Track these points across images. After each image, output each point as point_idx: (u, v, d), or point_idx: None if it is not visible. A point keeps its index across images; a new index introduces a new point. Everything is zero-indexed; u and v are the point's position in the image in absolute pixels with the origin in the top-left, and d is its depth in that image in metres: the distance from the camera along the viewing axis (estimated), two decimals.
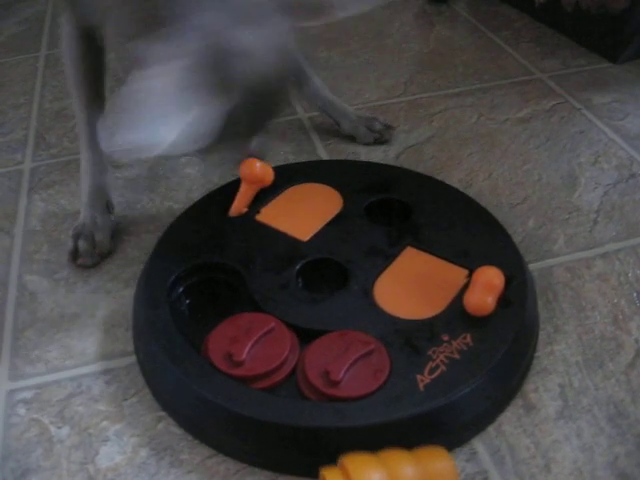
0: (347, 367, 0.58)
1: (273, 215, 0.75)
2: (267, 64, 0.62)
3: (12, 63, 1.25)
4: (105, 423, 0.62)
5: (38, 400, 0.64)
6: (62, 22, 0.80)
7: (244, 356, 0.59)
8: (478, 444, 0.59)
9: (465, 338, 0.61)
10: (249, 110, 0.63)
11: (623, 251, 0.78)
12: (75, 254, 0.77)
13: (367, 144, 0.95)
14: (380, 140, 0.95)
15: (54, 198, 0.89)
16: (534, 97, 1.06)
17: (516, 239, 0.75)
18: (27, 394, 0.64)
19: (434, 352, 0.60)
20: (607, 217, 0.82)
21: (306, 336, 0.62)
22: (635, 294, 0.72)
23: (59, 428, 0.61)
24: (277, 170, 0.78)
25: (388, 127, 0.96)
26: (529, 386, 0.64)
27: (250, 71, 0.60)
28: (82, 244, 0.77)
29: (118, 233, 0.81)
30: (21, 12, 1.44)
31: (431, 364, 0.59)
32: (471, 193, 0.82)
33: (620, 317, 0.70)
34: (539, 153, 0.94)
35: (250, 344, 0.60)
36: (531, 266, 0.75)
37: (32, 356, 0.68)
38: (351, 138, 0.96)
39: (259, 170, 0.75)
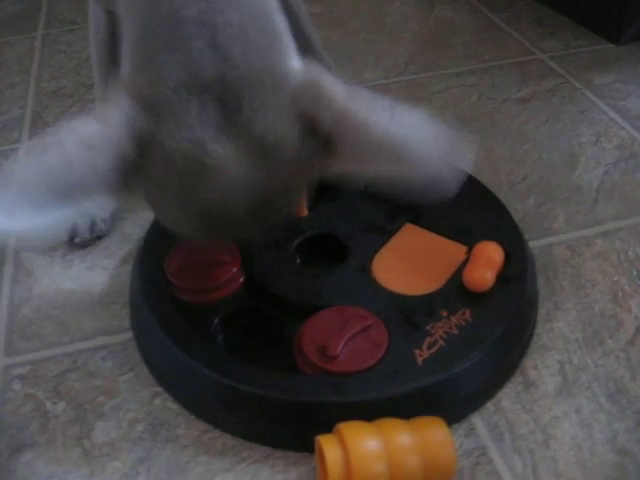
0: (345, 342, 0.58)
1: None
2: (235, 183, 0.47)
3: (9, 43, 1.23)
4: (101, 398, 0.61)
5: (34, 376, 0.63)
6: None
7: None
8: (477, 420, 0.59)
9: (464, 314, 0.61)
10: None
11: (623, 230, 0.77)
12: (73, 232, 0.77)
13: None
14: None
15: None
16: (535, 77, 1.05)
17: (516, 217, 0.74)
18: (23, 370, 0.64)
19: (432, 327, 0.60)
20: (607, 196, 0.82)
21: (304, 312, 0.61)
22: (635, 272, 0.71)
23: (55, 403, 0.61)
24: None
25: None
26: (528, 363, 0.63)
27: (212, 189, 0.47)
28: (80, 222, 0.77)
29: (116, 211, 0.81)
30: None
31: (429, 339, 0.59)
32: (471, 171, 0.81)
33: (620, 295, 0.69)
34: (539, 132, 0.93)
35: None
36: (531, 244, 0.74)
37: (28, 332, 0.68)
38: None
39: None
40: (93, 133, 0.45)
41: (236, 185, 0.46)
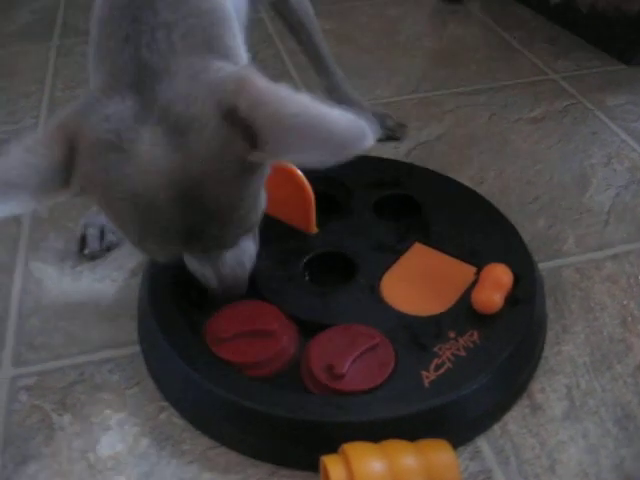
0: (352, 361, 0.58)
1: None
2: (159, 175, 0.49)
3: (24, 52, 1.25)
4: (107, 412, 0.61)
5: (40, 387, 0.64)
6: None
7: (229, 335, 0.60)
8: (483, 443, 0.58)
9: (472, 335, 0.61)
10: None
11: (634, 253, 0.77)
12: (83, 243, 0.77)
13: (378, 141, 0.94)
14: (392, 137, 0.95)
15: None
16: (547, 97, 1.05)
17: (526, 238, 0.74)
18: (29, 381, 0.64)
19: (440, 349, 0.59)
20: (618, 218, 0.81)
21: (311, 329, 0.61)
22: None
23: (60, 415, 0.61)
24: None
25: (401, 125, 0.96)
26: (536, 386, 0.63)
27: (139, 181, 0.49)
28: (91, 234, 0.77)
29: None
30: (34, 2, 1.44)
31: (437, 361, 0.59)
32: (481, 191, 0.81)
33: (629, 319, 0.69)
34: (551, 153, 0.93)
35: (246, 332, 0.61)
36: (540, 266, 0.74)
37: (36, 343, 0.68)
38: None
39: None
40: (33, 138, 0.51)
41: (156, 169, 0.49)
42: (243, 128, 0.48)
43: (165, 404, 0.62)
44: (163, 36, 0.51)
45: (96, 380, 0.64)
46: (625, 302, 0.71)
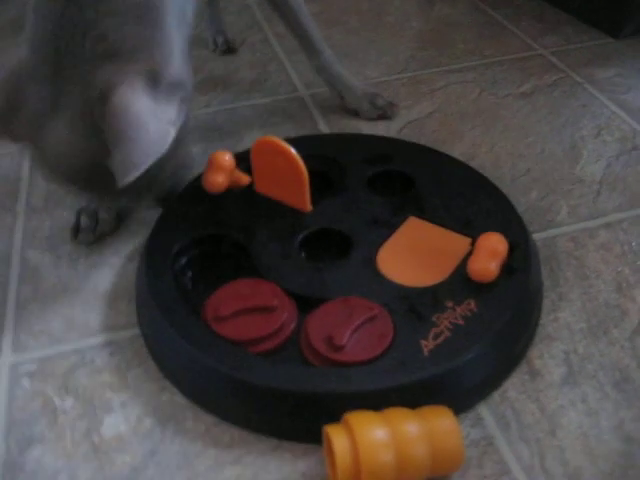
0: (351, 332, 0.58)
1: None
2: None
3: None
4: (109, 394, 0.62)
5: (42, 372, 0.64)
6: None
7: (229, 313, 0.61)
8: (483, 410, 0.59)
9: (469, 304, 0.61)
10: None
11: (627, 221, 0.77)
12: (76, 230, 0.77)
13: (370, 120, 0.95)
14: (383, 116, 0.95)
15: None
16: (536, 72, 1.05)
17: (519, 210, 0.74)
18: (31, 366, 0.64)
19: (438, 318, 0.60)
20: (610, 188, 0.82)
21: (309, 304, 0.62)
22: (639, 262, 0.72)
23: (63, 399, 0.61)
24: None
25: (392, 104, 0.96)
26: (534, 353, 0.63)
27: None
28: (84, 221, 0.77)
29: (122, 209, 0.81)
30: None
31: (435, 330, 0.59)
32: (474, 166, 0.81)
33: (624, 285, 0.70)
34: (541, 126, 0.93)
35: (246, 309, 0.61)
36: (535, 236, 0.75)
37: (35, 329, 0.68)
38: (354, 113, 0.96)
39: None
40: None
41: (56, 141, 0.61)
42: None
43: (167, 384, 0.62)
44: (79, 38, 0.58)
45: (97, 363, 0.64)
46: (620, 268, 0.71)
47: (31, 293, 0.72)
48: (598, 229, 0.76)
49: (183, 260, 0.68)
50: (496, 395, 0.60)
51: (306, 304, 0.62)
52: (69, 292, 0.72)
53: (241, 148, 0.82)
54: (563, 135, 0.91)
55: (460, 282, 0.63)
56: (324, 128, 0.94)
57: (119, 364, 0.64)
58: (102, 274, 0.74)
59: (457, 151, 0.89)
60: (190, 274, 0.68)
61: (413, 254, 0.67)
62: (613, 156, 0.87)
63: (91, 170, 0.62)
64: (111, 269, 0.74)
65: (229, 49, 1.14)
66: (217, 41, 1.15)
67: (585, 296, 0.69)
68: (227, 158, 0.72)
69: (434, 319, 0.60)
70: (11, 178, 0.89)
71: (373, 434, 0.50)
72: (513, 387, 0.61)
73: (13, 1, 1.36)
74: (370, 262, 0.66)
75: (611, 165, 0.86)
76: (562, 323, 0.66)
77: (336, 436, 0.51)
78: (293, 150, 0.69)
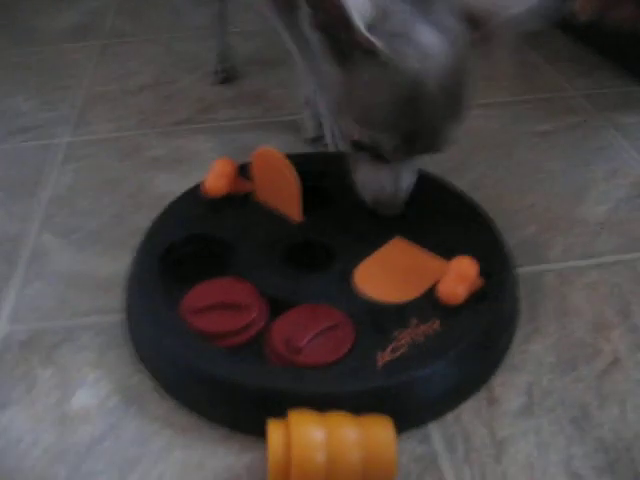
0: (311, 336, 0.60)
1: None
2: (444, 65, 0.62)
3: (70, 49, 1.34)
4: (86, 370, 0.66)
5: (31, 343, 0.69)
6: None
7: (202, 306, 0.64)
8: (434, 428, 0.60)
9: (434, 324, 0.62)
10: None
11: (621, 264, 0.77)
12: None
13: None
14: None
15: (84, 170, 0.96)
16: (561, 112, 1.05)
17: (513, 242, 0.75)
18: (23, 336, 0.70)
19: (400, 333, 0.61)
20: (611, 230, 0.81)
21: (282, 308, 0.64)
22: (624, 305, 0.71)
23: (45, 369, 0.66)
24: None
25: None
26: (496, 380, 0.64)
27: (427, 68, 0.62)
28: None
29: None
30: (87, 4, 1.54)
31: (395, 344, 0.60)
32: (477, 196, 0.82)
33: (603, 325, 0.69)
34: (554, 164, 0.93)
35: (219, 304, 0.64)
36: (523, 269, 0.75)
37: (33, 305, 0.73)
38: None
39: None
40: None
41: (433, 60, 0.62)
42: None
43: (141, 367, 0.66)
44: None
45: (82, 341, 0.69)
46: (602, 309, 0.71)
47: (36, 272, 0.77)
48: (590, 269, 0.76)
49: (174, 255, 0.72)
50: (450, 416, 0.61)
51: (280, 308, 0.65)
52: (71, 275, 0.77)
53: None
54: (575, 174, 0.91)
55: (429, 302, 0.64)
56: None
57: (101, 344, 0.68)
58: (105, 262, 0.79)
59: (464, 180, 0.89)
60: (178, 270, 0.72)
61: (390, 272, 0.69)
62: (622, 199, 0.87)
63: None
64: (114, 258, 0.79)
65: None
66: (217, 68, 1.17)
67: (561, 331, 0.69)
68: (229, 165, 0.76)
69: (396, 334, 0.61)
70: (42, 169, 0.96)
71: (308, 434, 0.52)
72: (468, 410, 0.61)
73: (76, 7, 1.46)
74: (347, 275, 0.68)
75: (618, 208, 0.85)
76: (532, 355, 0.66)
77: (273, 431, 0.53)
78: (287, 162, 0.72)
